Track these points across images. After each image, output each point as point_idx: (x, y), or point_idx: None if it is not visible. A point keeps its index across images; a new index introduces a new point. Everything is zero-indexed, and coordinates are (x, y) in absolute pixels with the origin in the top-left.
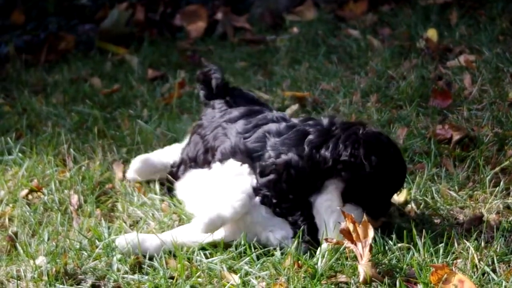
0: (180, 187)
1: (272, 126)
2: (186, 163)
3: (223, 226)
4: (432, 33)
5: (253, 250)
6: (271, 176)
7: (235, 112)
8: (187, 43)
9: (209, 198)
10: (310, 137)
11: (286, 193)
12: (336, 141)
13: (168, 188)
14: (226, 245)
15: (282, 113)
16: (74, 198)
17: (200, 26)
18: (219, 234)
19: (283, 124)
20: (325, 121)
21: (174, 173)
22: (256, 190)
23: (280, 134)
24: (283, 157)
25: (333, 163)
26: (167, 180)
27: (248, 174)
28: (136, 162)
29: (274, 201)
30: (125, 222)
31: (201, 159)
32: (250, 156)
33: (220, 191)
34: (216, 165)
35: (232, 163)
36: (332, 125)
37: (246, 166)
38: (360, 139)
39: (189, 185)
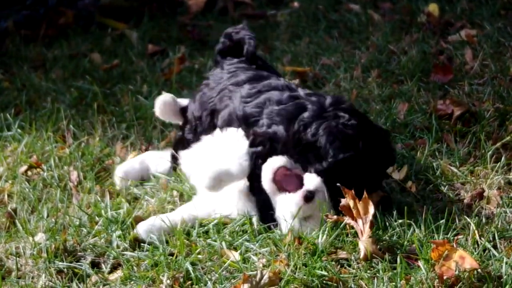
0: (185, 159)
1: (275, 94)
2: (191, 123)
3: (227, 183)
4: (433, 8)
5: (255, 226)
6: (258, 148)
7: (242, 75)
8: (187, 18)
9: (213, 160)
10: (305, 114)
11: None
12: (318, 127)
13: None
14: (225, 222)
15: (288, 82)
16: (74, 175)
17: (200, 1)
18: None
19: (286, 94)
20: (328, 100)
21: (182, 135)
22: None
23: (280, 103)
24: (273, 128)
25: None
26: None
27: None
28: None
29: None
30: (125, 199)
31: (207, 121)
32: (246, 122)
33: (223, 153)
34: (217, 132)
35: (231, 130)
36: (331, 106)
37: (241, 131)
38: (335, 133)
39: (193, 157)
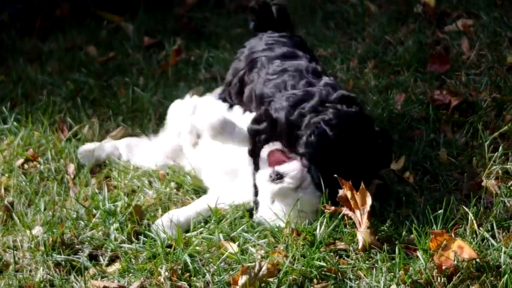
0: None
1: (294, 78)
2: (226, 87)
3: (228, 136)
4: None
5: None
6: (261, 126)
7: (278, 50)
8: (183, 10)
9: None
10: (306, 105)
11: (258, 148)
12: (308, 123)
13: None
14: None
15: (317, 66)
16: (71, 167)
17: None
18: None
19: (304, 80)
20: (334, 94)
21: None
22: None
23: (294, 88)
24: (277, 113)
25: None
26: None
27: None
28: None
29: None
30: (122, 191)
31: (237, 87)
32: (261, 101)
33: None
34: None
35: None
36: (327, 98)
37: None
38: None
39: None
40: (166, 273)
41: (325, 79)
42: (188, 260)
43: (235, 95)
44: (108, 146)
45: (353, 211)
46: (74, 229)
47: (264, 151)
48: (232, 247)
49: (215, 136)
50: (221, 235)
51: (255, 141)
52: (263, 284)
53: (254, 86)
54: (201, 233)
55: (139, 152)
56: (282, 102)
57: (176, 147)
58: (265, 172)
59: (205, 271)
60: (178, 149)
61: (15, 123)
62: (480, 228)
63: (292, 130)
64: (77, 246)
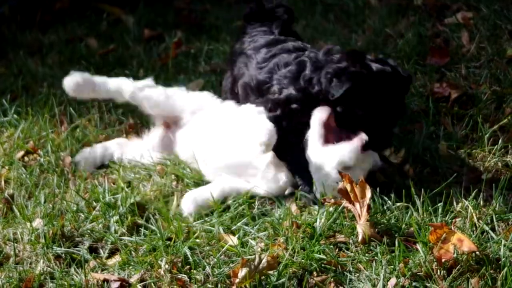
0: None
1: (284, 57)
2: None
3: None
4: None
5: (255, 210)
6: (277, 112)
7: (261, 40)
8: (183, 2)
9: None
10: (306, 71)
11: (286, 132)
12: (318, 78)
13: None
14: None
15: (303, 44)
16: (70, 160)
17: None
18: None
19: (293, 55)
20: (321, 52)
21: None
22: None
23: (287, 65)
24: (284, 92)
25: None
26: None
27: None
28: None
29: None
30: (122, 184)
31: (229, 88)
32: (259, 90)
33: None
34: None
35: (249, 106)
36: (324, 56)
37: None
38: (331, 73)
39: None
40: (166, 266)
41: (310, 50)
42: (188, 253)
43: (229, 90)
44: (99, 147)
45: (353, 204)
46: (74, 222)
47: (317, 117)
48: (232, 240)
49: None
50: (221, 228)
51: (279, 128)
52: (263, 277)
53: (248, 80)
54: (201, 225)
55: (129, 149)
56: (282, 81)
57: (163, 138)
58: (350, 143)
59: (205, 263)
60: (166, 141)
61: (15, 116)
62: (480, 221)
63: (307, 96)
64: (77, 239)
